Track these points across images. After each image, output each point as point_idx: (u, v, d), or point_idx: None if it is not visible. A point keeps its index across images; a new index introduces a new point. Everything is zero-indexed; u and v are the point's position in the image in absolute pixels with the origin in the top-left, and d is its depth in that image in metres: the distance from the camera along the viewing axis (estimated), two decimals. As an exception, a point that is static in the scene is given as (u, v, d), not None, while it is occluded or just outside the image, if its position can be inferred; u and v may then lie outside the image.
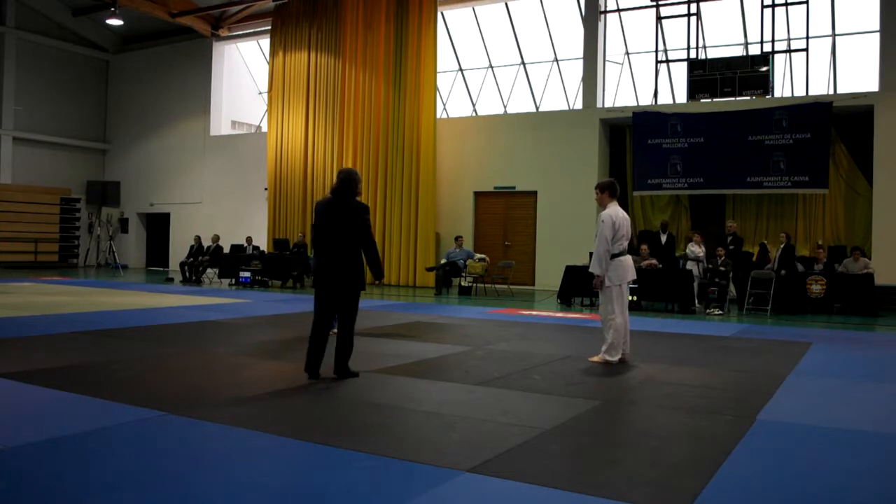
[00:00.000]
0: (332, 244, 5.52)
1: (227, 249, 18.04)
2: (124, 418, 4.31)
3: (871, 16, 14.83)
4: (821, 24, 15.25)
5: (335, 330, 7.63)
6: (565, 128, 16.87)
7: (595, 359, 6.77)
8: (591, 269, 6.75)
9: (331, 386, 5.45)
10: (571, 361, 6.83)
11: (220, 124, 22.59)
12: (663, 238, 13.93)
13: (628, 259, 6.77)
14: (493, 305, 12.71)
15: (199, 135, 22.57)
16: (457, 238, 16.26)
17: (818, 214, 15.35)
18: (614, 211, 6.65)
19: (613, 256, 6.63)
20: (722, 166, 15.08)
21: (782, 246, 12.99)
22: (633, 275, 6.81)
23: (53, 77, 23.05)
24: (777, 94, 15.19)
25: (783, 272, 12.30)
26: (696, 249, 12.50)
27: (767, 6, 14.71)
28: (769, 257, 13.87)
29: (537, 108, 18.09)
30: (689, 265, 12.65)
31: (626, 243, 6.69)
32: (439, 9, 17.78)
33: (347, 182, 5.57)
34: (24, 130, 22.29)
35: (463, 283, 15.59)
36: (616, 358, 6.65)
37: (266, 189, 20.43)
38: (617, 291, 6.67)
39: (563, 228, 16.34)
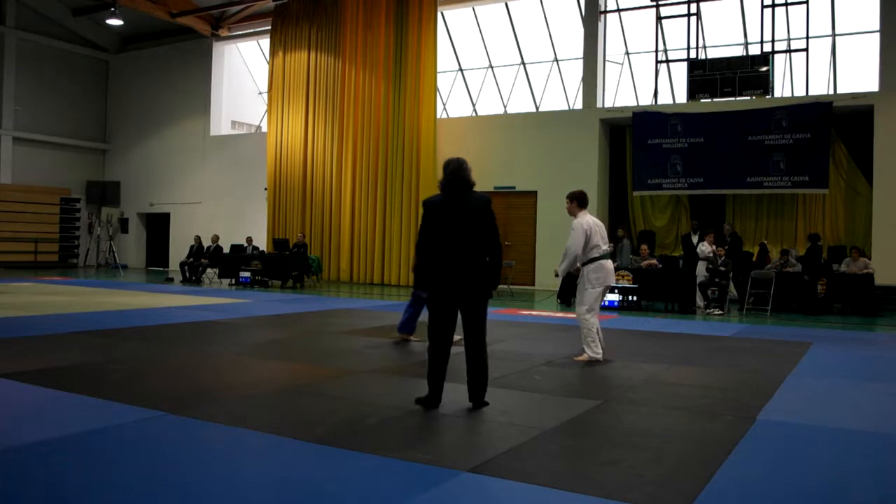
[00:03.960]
0: (459, 248, 4.69)
1: (226, 249, 18.04)
2: (124, 418, 4.31)
3: (870, 16, 14.83)
4: (821, 24, 15.25)
5: (413, 336, 7.67)
6: (565, 128, 16.87)
7: (580, 358, 6.89)
8: (560, 272, 7.11)
9: (330, 386, 5.45)
10: (571, 361, 6.83)
11: (220, 124, 22.59)
12: (695, 239, 13.81)
13: (608, 263, 7.00)
14: (492, 305, 12.64)
15: (199, 135, 22.57)
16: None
17: (818, 214, 15.34)
18: (584, 219, 6.94)
19: (593, 260, 6.88)
20: (722, 166, 15.07)
21: (809, 247, 12.94)
22: (612, 280, 7.08)
23: (53, 77, 23.05)
24: (777, 94, 15.19)
25: (806, 277, 12.22)
26: (705, 249, 12.49)
27: (767, 6, 14.71)
28: (769, 257, 13.87)
29: (537, 109, 18.08)
30: (699, 264, 12.63)
31: (604, 247, 6.96)
32: (439, 9, 17.78)
33: (464, 172, 4.79)
34: (24, 130, 22.29)
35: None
36: (599, 353, 6.86)
37: (266, 189, 20.43)
38: (595, 293, 6.91)
39: (563, 228, 16.05)
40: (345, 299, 13.65)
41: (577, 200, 7.04)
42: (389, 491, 3.23)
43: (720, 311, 11.88)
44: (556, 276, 7.25)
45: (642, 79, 17.44)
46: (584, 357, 6.86)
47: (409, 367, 6.40)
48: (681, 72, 15.97)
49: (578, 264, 6.99)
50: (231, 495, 3.14)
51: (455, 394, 5.37)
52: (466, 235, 4.71)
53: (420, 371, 6.24)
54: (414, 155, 17.73)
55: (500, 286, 16.05)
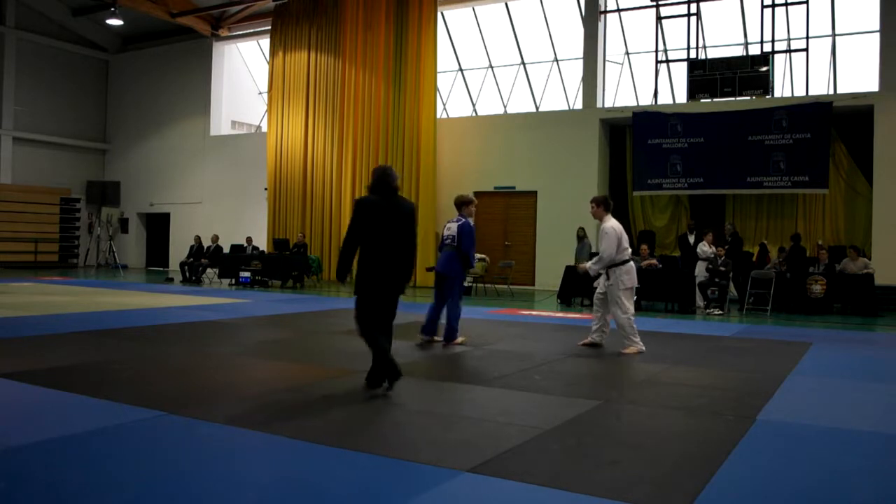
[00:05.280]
0: (385, 245, 5.20)
1: (226, 249, 18.03)
2: (124, 418, 4.30)
3: (870, 16, 14.83)
4: (821, 24, 15.26)
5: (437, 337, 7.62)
6: (565, 128, 16.87)
7: (628, 351, 7.25)
8: (591, 270, 7.51)
9: (330, 386, 5.45)
10: (571, 361, 6.83)
11: (220, 124, 22.59)
12: (691, 239, 13.81)
13: (633, 265, 7.48)
14: (493, 305, 12.71)
15: (199, 135, 22.57)
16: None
17: (818, 214, 15.35)
18: (614, 223, 7.36)
19: (623, 262, 7.31)
20: (722, 166, 15.07)
21: (791, 246, 13.01)
22: (636, 280, 7.56)
23: (53, 77, 23.04)
24: (777, 94, 15.19)
25: (788, 274, 12.30)
26: (706, 249, 12.49)
27: (767, 6, 14.71)
28: (769, 257, 13.86)
29: (537, 109, 18.08)
30: (699, 264, 12.63)
31: (629, 250, 7.43)
32: (439, 9, 17.77)
33: (391, 179, 5.30)
34: (24, 130, 22.29)
35: (463, 283, 15.55)
36: (643, 345, 7.30)
37: (266, 189, 20.43)
38: (629, 293, 7.41)
39: (563, 228, 16.31)
40: (345, 299, 13.63)
41: (604, 205, 7.44)
42: (389, 491, 3.22)
43: (720, 311, 11.88)
44: (581, 271, 7.83)
45: (642, 79, 17.46)
46: (634, 350, 7.23)
47: (409, 366, 6.39)
48: (681, 72, 15.98)
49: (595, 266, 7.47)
50: (231, 495, 3.14)
51: (454, 393, 5.37)
52: (395, 234, 5.24)
53: (419, 371, 6.24)
54: (414, 155, 17.73)
55: (500, 286, 16.07)
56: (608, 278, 7.38)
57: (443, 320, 7.66)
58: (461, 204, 7.66)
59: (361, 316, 5.27)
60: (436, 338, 7.67)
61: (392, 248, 5.22)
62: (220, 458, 3.68)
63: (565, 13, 17.65)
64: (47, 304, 10.81)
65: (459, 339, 7.63)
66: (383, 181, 5.28)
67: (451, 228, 7.60)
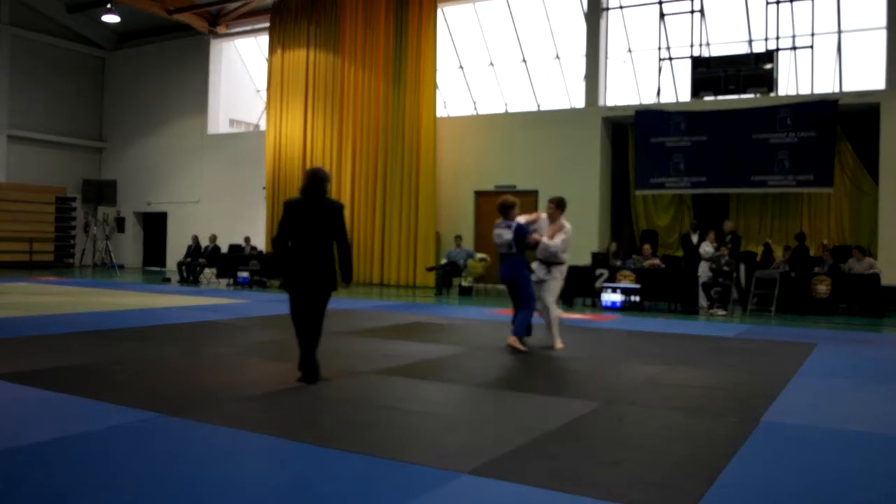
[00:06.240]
0: (310, 244, 5.38)
1: (224, 249, 17.91)
2: (123, 419, 4.28)
3: (877, 12, 14.69)
4: (826, 21, 15.12)
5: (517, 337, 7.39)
6: (567, 126, 16.73)
7: (561, 347, 7.33)
8: (542, 241, 7.45)
9: (330, 387, 5.36)
10: (572, 362, 6.76)
11: (218, 123, 22.46)
12: (694, 238, 13.67)
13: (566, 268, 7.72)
14: (493, 305, 12.60)
15: (197, 133, 22.43)
16: (456, 238, 16.12)
17: (823, 214, 15.22)
18: (569, 226, 7.52)
19: (562, 263, 7.50)
20: (725, 165, 14.92)
21: (795, 246, 12.89)
22: None
23: (49, 74, 22.89)
24: (782, 91, 15.06)
25: (792, 274, 12.18)
26: (709, 249, 12.35)
27: (772, 3, 14.61)
28: (773, 257, 13.73)
29: (538, 107, 17.95)
30: (702, 264, 12.50)
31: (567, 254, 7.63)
32: (439, 5, 17.66)
33: (319, 181, 5.46)
34: (19, 128, 22.13)
35: (463, 283, 15.46)
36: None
37: (264, 188, 20.31)
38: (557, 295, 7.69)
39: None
40: (343, 299, 13.51)
41: (562, 207, 7.59)
42: (389, 493, 3.17)
43: (723, 312, 11.75)
44: (532, 240, 7.41)
45: (645, 76, 17.31)
46: (561, 345, 7.32)
47: (409, 367, 6.30)
48: (684, 69, 15.84)
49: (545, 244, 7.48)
50: (230, 496, 3.11)
51: (454, 394, 5.25)
52: (320, 233, 5.40)
53: (419, 372, 6.14)
54: (414, 154, 17.60)
55: (501, 286, 15.90)
56: (549, 272, 7.50)
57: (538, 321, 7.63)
58: (507, 208, 7.35)
59: (292, 314, 5.53)
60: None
61: (316, 247, 5.38)
62: (219, 459, 3.65)
63: (567, 10, 17.51)
64: (43, 305, 10.73)
65: (522, 347, 7.24)
66: (311, 183, 5.46)
67: (503, 235, 7.25)
